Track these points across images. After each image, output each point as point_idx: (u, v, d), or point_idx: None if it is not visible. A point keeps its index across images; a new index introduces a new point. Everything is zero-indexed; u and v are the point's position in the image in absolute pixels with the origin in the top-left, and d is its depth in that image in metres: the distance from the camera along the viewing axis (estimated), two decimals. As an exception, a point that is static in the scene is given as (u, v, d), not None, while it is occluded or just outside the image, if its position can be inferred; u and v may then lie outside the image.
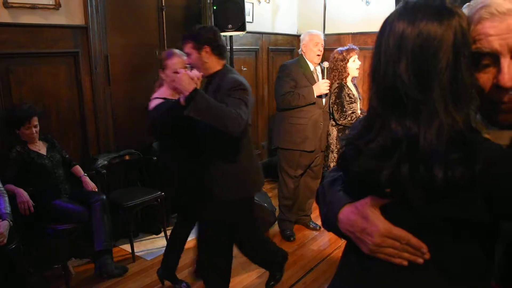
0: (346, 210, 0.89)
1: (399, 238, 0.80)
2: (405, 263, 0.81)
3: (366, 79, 3.45)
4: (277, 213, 3.71)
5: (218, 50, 2.18)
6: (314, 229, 3.75)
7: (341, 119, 3.35)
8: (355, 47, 3.39)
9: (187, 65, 2.30)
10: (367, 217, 0.83)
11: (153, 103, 2.42)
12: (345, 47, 3.42)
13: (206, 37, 2.16)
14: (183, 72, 1.97)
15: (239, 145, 2.19)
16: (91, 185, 3.03)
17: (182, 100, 1.97)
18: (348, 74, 3.37)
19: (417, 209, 0.77)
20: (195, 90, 1.94)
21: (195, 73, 2.03)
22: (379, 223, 0.82)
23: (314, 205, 4.00)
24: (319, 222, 3.86)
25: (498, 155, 0.73)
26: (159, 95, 2.49)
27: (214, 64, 2.19)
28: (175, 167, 2.51)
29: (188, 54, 2.21)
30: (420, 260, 0.80)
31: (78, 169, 3.08)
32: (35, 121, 2.78)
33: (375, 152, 0.80)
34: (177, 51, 2.52)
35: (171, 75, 2.38)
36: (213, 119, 1.95)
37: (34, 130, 2.78)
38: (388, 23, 0.81)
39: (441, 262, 0.80)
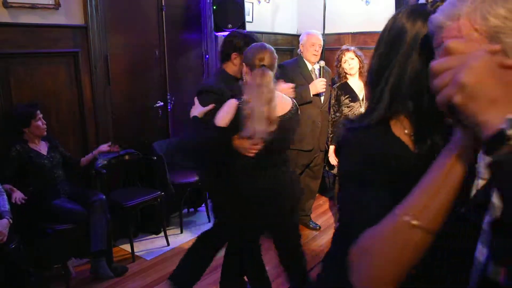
0: None
1: None
2: None
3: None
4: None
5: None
6: (314, 229, 3.75)
7: (332, 116, 3.39)
8: (350, 47, 3.40)
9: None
10: None
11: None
12: (340, 50, 3.44)
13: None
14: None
15: None
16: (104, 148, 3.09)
17: None
18: (346, 74, 3.38)
19: None
20: None
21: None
22: None
23: (314, 205, 4.00)
24: (319, 222, 3.86)
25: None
26: None
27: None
28: None
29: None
30: None
31: (84, 159, 3.09)
32: (40, 114, 2.81)
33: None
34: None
35: None
36: None
37: (41, 122, 2.80)
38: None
39: None
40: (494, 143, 0.51)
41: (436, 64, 0.59)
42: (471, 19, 0.62)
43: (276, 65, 2.03)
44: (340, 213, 0.97)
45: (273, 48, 2.05)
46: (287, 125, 2.05)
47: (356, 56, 3.35)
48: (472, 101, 0.53)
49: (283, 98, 2.09)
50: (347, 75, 3.38)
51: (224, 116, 1.97)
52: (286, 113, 2.05)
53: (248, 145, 1.96)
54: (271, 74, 1.95)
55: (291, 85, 2.34)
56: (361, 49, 3.57)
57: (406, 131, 0.85)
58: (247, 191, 2.11)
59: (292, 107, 2.10)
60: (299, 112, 2.15)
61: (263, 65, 1.95)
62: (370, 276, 0.67)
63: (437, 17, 0.68)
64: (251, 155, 2.00)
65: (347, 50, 3.36)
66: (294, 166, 3.41)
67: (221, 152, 2.03)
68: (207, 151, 2.04)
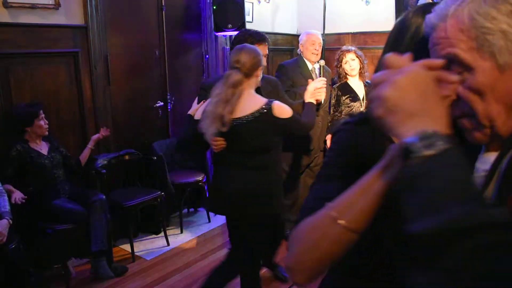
0: None
1: None
2: None
3: (369, 76, 3.46)
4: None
5: None
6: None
7: (332, 115, 3.40)
8: (351, 48, 3.39)
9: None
10: None
11: None
12: (340, 50, 3.43)
13: None
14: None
15: None
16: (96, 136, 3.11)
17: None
18: (346, 74, 3.38)
19: None
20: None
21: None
22: None
23: (314, 205, 4.00)
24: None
25: None
26: None
27: None
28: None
29: (266, 56, 2.35)
30: None
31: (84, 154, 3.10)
32: (42, 114, 2.81)
33: None
34: None
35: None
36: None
37: (44, 121, 2.81)
38: None
39: None
40: (403, 155, 0.52)
41: (374, 77, 0.60)
42: (458, 20, 0.60)
43: (257, 65, 2.05)
44: None
45: (253, 49, 2.08)
46: (243, 127, 2.00)
47: (357, 56, 3.34)
48: (391, 115, 0.54)
49: (250, 101, 2.02)
50: (347, 76, 3.38)
51: (193, 110, 2.18)
52: (244, 116, 2.00)
53: (210, 141, 2.02)
54: (236, 76, 1.99)
55: (322, 80, 2.40)
56: (361, 49, 3.58)
57: None
58: (214, 187, 2.21)
59: (255, 111, 2.00)
60: (272, 115, 2.00)
61: (236, 67, 2.01)
62: (294, 260, 0.73)
63: (430, 17, 0.66)
64: (216, 151, 2.06)
65: (348, 51, 3.36)
66: (295, 166, 3.42)
67: (198, 145, 2.12)
68: (189, 143, 2.20)
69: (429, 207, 0.45)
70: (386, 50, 0.85)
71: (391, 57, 0.60)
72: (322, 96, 2.45)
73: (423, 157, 0.49)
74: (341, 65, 3.38)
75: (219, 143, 2.02)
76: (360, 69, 3.36)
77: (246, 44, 2.16)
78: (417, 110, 0.53)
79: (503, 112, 0.59)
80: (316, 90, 2.39)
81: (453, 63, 0.61)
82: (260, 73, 2.12)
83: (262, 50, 2.30)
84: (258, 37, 2.44)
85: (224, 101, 1.96)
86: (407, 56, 0.60)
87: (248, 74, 2.03)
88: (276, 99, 2.14)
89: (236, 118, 1.99)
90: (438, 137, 0.50)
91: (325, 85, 3.30)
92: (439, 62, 0.59)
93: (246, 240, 2.21)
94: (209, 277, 2.35)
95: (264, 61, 2.20)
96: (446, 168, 0.48)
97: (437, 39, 0.63)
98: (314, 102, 2.39)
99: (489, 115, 0.60)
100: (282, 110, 2.04)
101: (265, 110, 2.01)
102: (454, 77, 0.59)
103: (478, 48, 0.58)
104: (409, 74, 0.55)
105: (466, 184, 0.47)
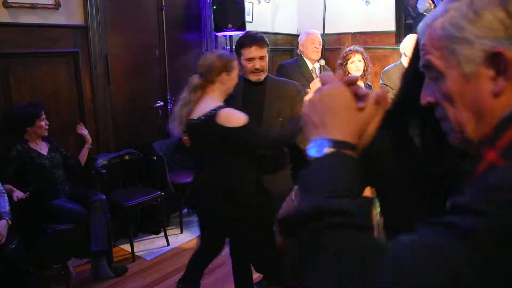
0: None
1: None
2: None
3: (371, 79, 3.46)
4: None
5: None
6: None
7: None
8: (359, 49, 3.36)
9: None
10: None
11: None
12: (348, 48, 3.41)
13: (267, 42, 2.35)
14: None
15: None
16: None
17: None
18: (349, 74, 3.37)
19: None
20: None
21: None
22: None
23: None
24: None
25: None
26: None
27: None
28: None
29: (263, 58, 2.30)
30: None
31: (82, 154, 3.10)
32: (44, 114, 2.82)
33: None
34: None
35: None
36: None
37: (45, 122, 2.81)
38: None
39: None
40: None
41: (307, 96, 0.69)
42: (434, 29, 0.62)
43: (217, 70, 2.08)
44: None
45: (217, 54, 2.14)
46: (193, 129, 2.10)
47: (363, 58, 3.31)
48: (306, 127, 0.65)
49: (205, 106, 2.06)
50: (350, 75, 3.38)
51: None
52: (195, 119, 2.06)
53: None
54: (195, 80, 2.10)
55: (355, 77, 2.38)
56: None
57: None
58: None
59: (202, 115, 2.04)
60: (215, 121, 2.01)
61: (199, 72, 2.12)
62: None
63: (420, 25, 0.68)
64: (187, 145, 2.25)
65: (357, 51, 3.32)
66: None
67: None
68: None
69: (305, 195, 0.59)
70: (410, 64, 0.84)
71: (322, 75, 0.70)
72: None
73: (311, 160, 0.60)
74: (346, 63, 3.35)
75: (186, 140, 2.23)
76: (363, 71, 3.35)
77: (220, 50, 2.22)
78: (323, 123, 0.62)
79: (472, 119, 0.61)
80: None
81: (431, 69, 0.64)
82: (226, 79, 2.10)
83: (247, 53, 2.26)
84: (241, 40, 2.35)
85: (184, 104, 2.10)
86: (337, 74, 0.68)
87: (208, 80, 2.08)
88: (282, 105, 2.21)
89: (190, 119, 2.08)
90: (328, 143, 0.60)
91: None
92: (354, 78, 0.67)
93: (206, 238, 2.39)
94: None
95: (251, 65, 2.24)
96: (322, 168, 0.59)
97: (421, 45, 0.66)
98: None
99: (459, 121, 0.62)
100: (229, 118, 2.00)
101: (210, 115, 2.03)
102: (363, 91, 0.66)
103: (448, 57, 0.61)
104: (323, 91, 0.65)
105: (334, 180, 0.57)
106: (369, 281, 0.46)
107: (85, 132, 3.13)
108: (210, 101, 2.07)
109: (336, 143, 0.60)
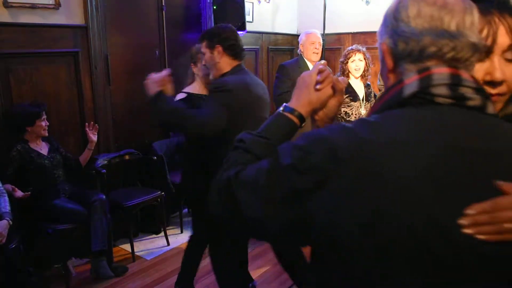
0: None
1: None
2: None
3: (371, 79, 3.45)
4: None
5: (231, 50, 2.09)
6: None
7: None
8: (361, 48, 3.36)
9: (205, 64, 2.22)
10: None
11: (177, 97, 2.45)
12: (351, 47, 3.41)
13: (219, 36, 2.08)
14: (148, 79, 2.09)
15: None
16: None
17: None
18: (349, 73, 3.37)
19: None
20: (158, 93, 2.01)
21: (162, 74, 2.06)
22: None
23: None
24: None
25: None
26: (187, 90, 2.53)
27: (225, 65, 2.10)
28: None
29: (203, 54, 2.15)
30: None
31: (84, 156, 3.09)
32: (44, 114, 2.82)
33: None
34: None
35: (203, 69, 2.35)
36: (173, 120, 2.01)
37: (45, 122, 2.81)
38: None
39: None
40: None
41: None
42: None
43: None
44: None
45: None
46: None
47: (365, 58, 3.31)
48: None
49: None
50: (350, 74, 3.37)
51: None
52: None
53: None
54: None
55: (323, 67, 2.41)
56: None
57: None
58: None
59: None
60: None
61: None
62: None
63: None
64: None
65: (358, 50, 3.32)
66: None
67: None
68: None
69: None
70: None
71: (315, 64, 0.97)
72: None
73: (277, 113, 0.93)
74: (347, 62, 3.35)
75: None
76: (364, 71, 3.35)
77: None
78: (293, 94, 0.94)
79: None
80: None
81: None
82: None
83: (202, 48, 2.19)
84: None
85: None
86: (319, 63, 0.95)
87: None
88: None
89: None
90: (284, 107, 0.93)
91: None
92: (322, 67, 0.93)
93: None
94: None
95: (207, 60, 2.14)
96: (270, 119, 0.94)
97: None
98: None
99: None
100: None
101: None
102: (324, 77, 0.92)
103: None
104: (303, 74, 0.96)
105: (266, 127, 0.91)
106: (239, 173, 0.79)
107: (94, 137, 3.07)
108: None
109: (286, 108, 0.92)
